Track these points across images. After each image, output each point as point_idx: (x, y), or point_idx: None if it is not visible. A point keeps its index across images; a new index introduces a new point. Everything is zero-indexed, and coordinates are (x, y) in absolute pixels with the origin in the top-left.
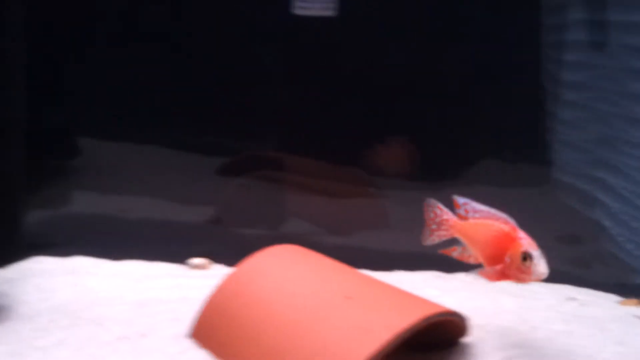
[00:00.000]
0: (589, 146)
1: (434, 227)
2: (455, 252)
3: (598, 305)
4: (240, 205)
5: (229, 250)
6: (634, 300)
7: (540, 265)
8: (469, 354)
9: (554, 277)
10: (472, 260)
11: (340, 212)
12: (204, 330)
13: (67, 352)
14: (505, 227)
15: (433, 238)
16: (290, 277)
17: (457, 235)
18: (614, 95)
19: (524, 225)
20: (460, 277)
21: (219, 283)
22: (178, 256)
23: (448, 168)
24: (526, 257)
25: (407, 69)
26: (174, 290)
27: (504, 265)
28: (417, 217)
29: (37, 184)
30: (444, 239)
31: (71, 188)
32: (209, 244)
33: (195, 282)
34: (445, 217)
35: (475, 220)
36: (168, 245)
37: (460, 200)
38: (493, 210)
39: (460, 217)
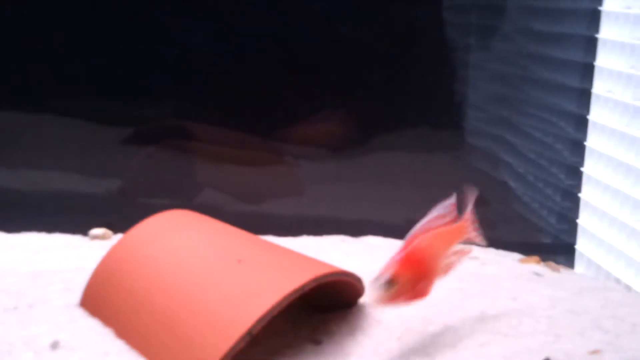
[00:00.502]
0: (493, 108)
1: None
2: None
3: (498, 264)
4: (149, 175)
5: (136, 221)
6: (535, 258)
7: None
8: (365, 313)
9: None
10: None
11: (252, 180)
12: (93, 299)
13: None
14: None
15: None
16: (180, 241)
17: None
18: (514, 57)
19: (435, 190)
20: (365, 241)
21: (108, 250)
22: (81, 228)
23: (363, 137)
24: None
25: (320, 38)
26: (71, 261)
27: None
28: (329, 184)
29: None
30: None
31: None
32: (115, 215)
33: (94, 252)
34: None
35: None
36: (70, 217)
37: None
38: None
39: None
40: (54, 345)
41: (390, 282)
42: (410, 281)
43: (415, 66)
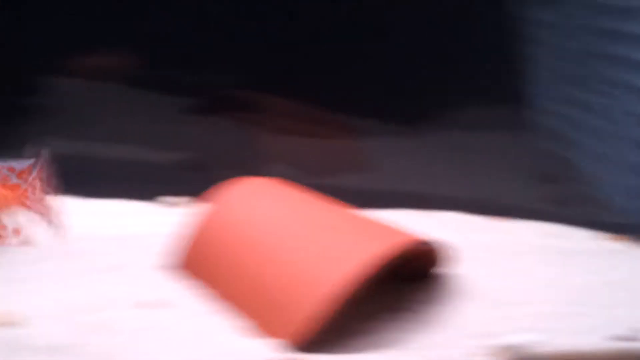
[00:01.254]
0: (563, 86)
1: None
2: None
3: (572, 240)
4: (217, 146)
5: (203, 191)
6: (610, 236)
7: None
8: (441, 283)
9: (531, 215)
10: None
11: (320, 154)
12: (188, 262)
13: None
14: None
15: None
16: (271, 207)
17: None
18: (583, 33)
19: (505, 167)
20: (436, 216)
21: (202, 215)
22: (151, 196)
23: (427, 112)
24: None
25: (386, 14)
26: (150, 227)
27: None
28: (394, 158)
29: None
30: None
31: (33, 129)
32: (183, 185)
33: (168, 219)
34: None
35: None
36: (141, 185)
37: None
38: None
39: None
40: (141, 305)
41: None
42: None
43: (483, 43)
